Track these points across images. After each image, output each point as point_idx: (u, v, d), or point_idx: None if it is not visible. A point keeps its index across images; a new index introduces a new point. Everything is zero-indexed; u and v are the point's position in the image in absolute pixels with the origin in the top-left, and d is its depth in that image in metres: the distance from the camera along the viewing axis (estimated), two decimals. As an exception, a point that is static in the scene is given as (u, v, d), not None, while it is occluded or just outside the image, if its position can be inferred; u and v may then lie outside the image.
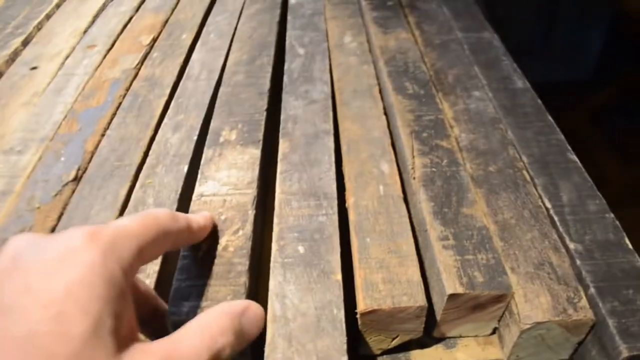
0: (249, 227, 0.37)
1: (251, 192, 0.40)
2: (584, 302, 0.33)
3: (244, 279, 0.34)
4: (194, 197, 0.39)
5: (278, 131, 0.46)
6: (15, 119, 0.52)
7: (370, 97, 0.49)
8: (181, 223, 0.31)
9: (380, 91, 0.50)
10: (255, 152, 0.43)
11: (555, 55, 1.85)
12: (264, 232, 0.42)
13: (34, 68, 0.59)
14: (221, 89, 0.51)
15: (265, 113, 0.48)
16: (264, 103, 0.49)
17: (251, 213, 0.38)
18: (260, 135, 0.45)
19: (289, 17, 0.63)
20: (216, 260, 0.35)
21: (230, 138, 0.45)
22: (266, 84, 0.51)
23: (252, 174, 0.41)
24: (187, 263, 0.35)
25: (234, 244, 0.36)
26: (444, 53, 0.55)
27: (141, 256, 0.26)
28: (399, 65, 0.52)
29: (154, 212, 0.29)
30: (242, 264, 0.35)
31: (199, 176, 0.41)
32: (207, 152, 0.44)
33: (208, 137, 0.45)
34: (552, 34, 1.82)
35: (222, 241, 0.36)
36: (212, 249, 0.36)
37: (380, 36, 0.57)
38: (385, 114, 0.48)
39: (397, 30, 0.58)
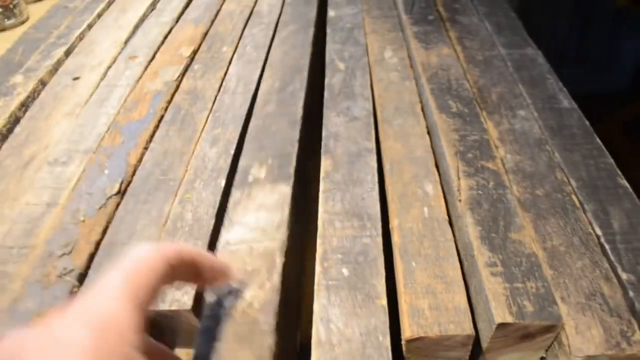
0: (276, 279, 0.34)
1: (280, 236, 0.37)
2: (637, 335, 0.32)
3: (269, 342, 0.31)
4: (220, 246, 0.37)
5: (311, 158, 0.45)
6: (58, 129, 0.53)
7: (413, 114, 0.49)
8: (184, 263, 0.28)
9: (423, 109, 0.50)
10: (286, 190, 0.41)
11: (589, 65, 1.81)
12: (306, 250, 0.42)
13: (77, 78, 0.60)
14: (251, 122, 0.49)
15: (297, 144, 0.46)
16: (295, 133, 0.47)
17: (279, 262, 0.36)
18: (291, 169, 0.43)
19: (328, 30, 0.63)
20: (240, 319, 0.32)
21: (259, 176, 0.43)
22: (298, 112, 0.49)
23: (282, 215, 0.39)
24: (210, 324, 0.32)
25: (259, 299, 0.33)
26: (487, 70, 0.54)
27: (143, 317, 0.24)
28: (441, 82, 0.52)
29: (147, 264, 0.26)
30: (268, 323, 0.32)
31: (225, 221, 0.39)
32: (234, 194, 0.41)
33: (236, 176, 0.43)
34: (586, 43, 1.78)
35: (247, 296, 0.33)
36: (235, 305, 0.33)
37: (422, 52, 0.56)
38: (428, 132, 0.47)
39: (438, 45, 0.58)
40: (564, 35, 1.74)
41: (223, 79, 0.55)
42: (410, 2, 0.66)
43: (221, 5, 0.71)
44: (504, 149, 0.45)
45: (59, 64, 0.63)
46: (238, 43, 0.62)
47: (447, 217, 0.39)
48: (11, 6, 0.83)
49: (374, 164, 0.43)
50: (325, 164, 0.44)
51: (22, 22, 0.86)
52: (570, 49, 1.77)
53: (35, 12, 0.89)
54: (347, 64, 0.56)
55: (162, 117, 0.51)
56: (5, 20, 0.84)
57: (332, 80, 0.54)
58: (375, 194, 0.41)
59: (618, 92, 1.83)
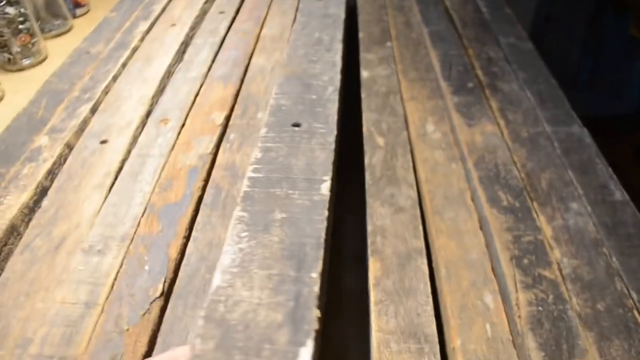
0: None
1: None
2: None
3: None
4: None
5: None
6: (89, 205, 0.50)
7: (463, 205, 0.47)
8: None
9: (473, 198, 0.48)
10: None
11: (601, 89, 1.80)
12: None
13: (104, 142, 0.58)
14: None
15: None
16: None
17: None
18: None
19: (362, 95, 0.61)
20: None
21: None
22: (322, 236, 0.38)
23: None
24: None
25: None
26: (533, 151, 0.53)
27: None
28: (489, 168, 0.50)
29: None
30: None
31: None
32: None
33: None
34: (598, 68, 1.77)
35: None
36: None
37: (465, 129, 0.55)
38: (481, 227, 0.46)
39: (481, 120, 0.56)
40: (577, 60, 1.73)
41: (261, 154, 0.53)
42: (448, 65, 0.64)
43: (250, 59, 0.69)
44: (559, 250, 0.44)
45: (85, 123, 0.61)
46: (273, 108, 0.60)
47: (510, 335, 0.38)
48: (30, 45, 0.81)
49: (426, 270, 0.42)
50: (374, 267, 0.42)
51: (41, 62, 0.83)
52: (582, 73, 1.76)
53: (53, 50, 0.86)
54: (387, 138, 0.54)
55: (200, 197, 0.49)
56: (24, 59, 0.81)
57: (373, 160, 0.52)
58: (430, 308, 0.39)
59: (629, 115, 1.82)
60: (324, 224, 0.34)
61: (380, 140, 0.54)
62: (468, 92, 0.60)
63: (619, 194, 0.49)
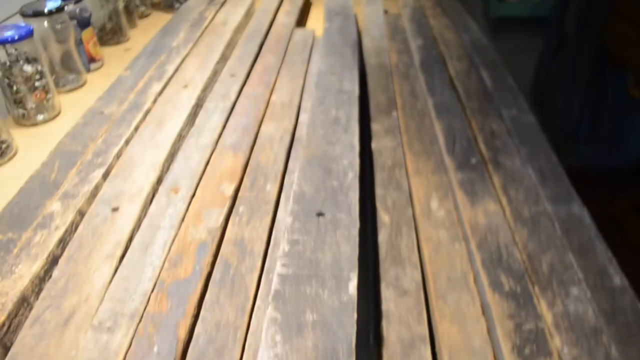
0: None
1: None
2: None
3: None
4: None
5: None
6: (99, 277, 0.52)
7: (466, 288, 0.48)
8: None
9: (475, 281, 0.49)
10: None
11: (601, 142, 1.83)
12: None
13: (115, 209, 0.59)
14: None
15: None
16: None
17: None
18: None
19: (375, 170, 0.62)
20: None
21: None
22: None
23: None
24: None
25: None
26: (535, 232, 0.54)
27: None
28: (492, 250, 0.51)
29: None
30: None
31: None
32: None
33: None
34: (598, 122, 1.80)
35: None
36: None
37: (469, 207, 0.56)
38: (483, 313, 0.47)
39: (484, 198, 0.57)
40: (577, 114, 1.76)
41: (271, 228, 0.55)
42: (452, 139, 0.66)
43: (259, 127, 0.71)
44: (559, 339, 0.44)
45: (97, 189, 0.62)
46: (283, 179, 0.61)
47: None
48: (45, 101, 0.83)
49: (429, 356, 0.43)
50: (378, 354, 0.43)
51: (54, 117, 0.85)
52: (583, 127, 1.79)
53: (67, 104, 0.89)
54: (392, 215, 0.56)
55: (209, 274, 0.50)
56: (38, 115, 0.83)
57: (379, 238, 0.53)
58: (435, 400, 0.40)
59: (628, 169, 1.84)
60: (354, 328, 0.35)
61: (386, 218, 0.56)
62: (472, 168, 0.62)
63: (618, 278, 0.50)
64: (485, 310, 0.47)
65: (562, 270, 0.50)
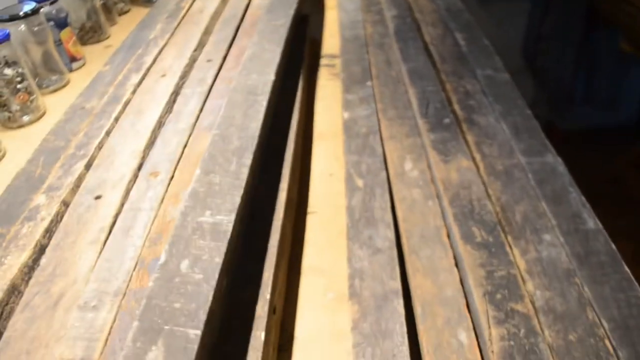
0: None
1: None
2: None
3: None
4: None
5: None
6: (84, 261, 0.53)
7: (439, 243, 0.49)
8: None
9: (448, 235, 0.50)
10: None
11: (598, 101, 1.82)
12: None
13: (98, 197, 0.61)
14: None
15: None
16: None
17: None
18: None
19: (344, 137, 0.63)
20: None
21: None
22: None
23: None
24: None
25: None
26: (508, 184, 0.54)
27: None
28: (463, 204, 0.52)
29: None
30: None
31: None
32: None
33: None
34: (593, 81, 1.79)
35: None
36: None
37: (441, 166, 0.57)
38: (456, 264, 0.47)
39: (457, 156, 0.58)
40: (571, 75, 1.75)
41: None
42: (425, 103, 0.66)
43: (235, 108, 0.71)
44: (532, 283, 0.45)
45: (80, 180, 0.64)
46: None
47: (483, 372, 0.39)
48: (28, 102, 0.85)
49: (402, 310, 0.44)
50: (352, 309, 0.44)
51: (40, 117, 0.87)
52: (578, 87, 1.78)
53: (51, 104, 0.90)
54: (366, 180, 0.57)
55: (187, 250, 0.51)
56: (23, 117, 0.85)
57: (352, 202, 0.54)
58: (406, 348, 0.41)
59: (629, 127, 1.83)
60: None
61: (360, 182, 0.56)
62: (444, 128, 0.62)
63: (592, 222, 0.50)
64: (458, 261, 0.48)
65: (535, 218, 0.51)
